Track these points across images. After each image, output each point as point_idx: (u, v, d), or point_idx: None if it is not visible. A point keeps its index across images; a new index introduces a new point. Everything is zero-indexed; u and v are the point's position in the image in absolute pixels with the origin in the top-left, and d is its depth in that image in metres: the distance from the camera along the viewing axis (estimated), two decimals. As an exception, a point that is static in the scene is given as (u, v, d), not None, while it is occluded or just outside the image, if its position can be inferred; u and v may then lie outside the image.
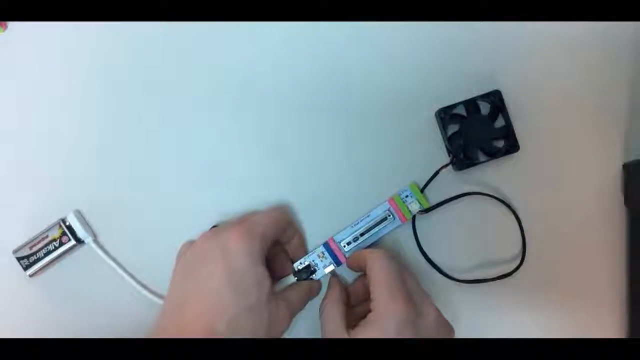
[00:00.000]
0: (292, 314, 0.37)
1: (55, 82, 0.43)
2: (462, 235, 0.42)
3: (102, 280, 0.42)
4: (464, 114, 0.41)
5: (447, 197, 0.42)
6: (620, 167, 0.43)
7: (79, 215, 0.42)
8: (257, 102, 0.43)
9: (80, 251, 0.42)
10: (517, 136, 0.41)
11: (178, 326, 0.33)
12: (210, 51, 0.43)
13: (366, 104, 0.43)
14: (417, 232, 0.41)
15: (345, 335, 0.34)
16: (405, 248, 0.42)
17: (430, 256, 0.41)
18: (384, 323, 0.33)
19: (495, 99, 0.41)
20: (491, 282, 0.41)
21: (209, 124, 0.43)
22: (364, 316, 0.35)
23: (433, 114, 0.42)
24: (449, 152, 0.42)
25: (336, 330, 0.35)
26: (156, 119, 0.43)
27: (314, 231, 0.42)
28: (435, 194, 0.42)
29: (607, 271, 0.42)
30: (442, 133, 0.42)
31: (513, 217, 0.42)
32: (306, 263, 0.41)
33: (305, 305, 0.39)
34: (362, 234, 0.41)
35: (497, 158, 0.41)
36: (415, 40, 0.43)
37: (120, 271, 0.41)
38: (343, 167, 0.43)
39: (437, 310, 0.35)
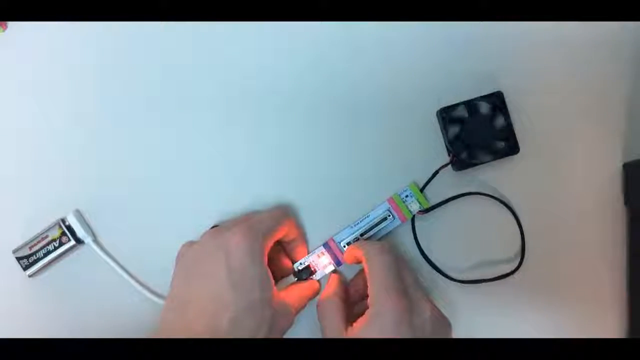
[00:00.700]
0: (293, 313, 0.37)
1: (55, 82, 0.43)
2: (462, 235, 0.42)
3: (101, 280, 0.42)
4: (465, 114, 0.41)
5: (447, 197, 0.42)
6: (620, 167, 0.43)
7: (79, 215, 0.42)
8: (257, 101, 0.43)
9: (80, 251, 0.42)
10: (517, 137, 0.41)
11: (180, 325, 0.34)
12: (210, 51, 0.43)
13: (367, 104, 0.43)
14: (417, 232, 0.41)
15: (342, 333, 0.34)
16: (405, 248, 0.42)
17: (429, 256, 0.41)
18: (381, 321, 0.33)
19: (497, 99, 0.41)
20: (491, 282, 0.41)
21: (210, 124, 0.43)
22: (364, 312, 0.35)
23: (434, 113, 0.42)
24: (449, 152, 0.42)
25: (333, 327, 0.35)
26: (157, 118, 0.43)
27: (315, 231, 0.42)
28: (435, 194, 0.42)
29: (607, 271, 0.42)
30: (442, 133, 0.42)
31: (512, 217, 0.42)
32: (306, 263, 0.41)
33: (305, 305, 0.39)
34: (362, 234, 0.41)
35: (497, 159, 0.41)
36: (415, 40, 0.43)
37: (120, 271, 0.41)
38: (344, 166, 0.43)
39: (435, 306, 0.35)
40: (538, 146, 0.42)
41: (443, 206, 0.42)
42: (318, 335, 0.39)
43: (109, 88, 0.43)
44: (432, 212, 0.41)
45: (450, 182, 0.42)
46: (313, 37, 0.43)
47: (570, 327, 0.42)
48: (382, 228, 0.41)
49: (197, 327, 0.33)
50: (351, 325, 0.35)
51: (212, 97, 0.43)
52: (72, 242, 0.41)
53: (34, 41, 0.43)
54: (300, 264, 0.41)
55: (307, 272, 0.40)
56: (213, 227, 0.40)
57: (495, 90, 0.42)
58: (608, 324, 0.42)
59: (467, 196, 0.42)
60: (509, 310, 0.42)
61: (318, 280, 0.41)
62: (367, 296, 0.35)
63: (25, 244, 0.41)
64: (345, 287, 0.39)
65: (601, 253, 0.42)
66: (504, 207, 0.42)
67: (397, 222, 0.41)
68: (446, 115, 0.41)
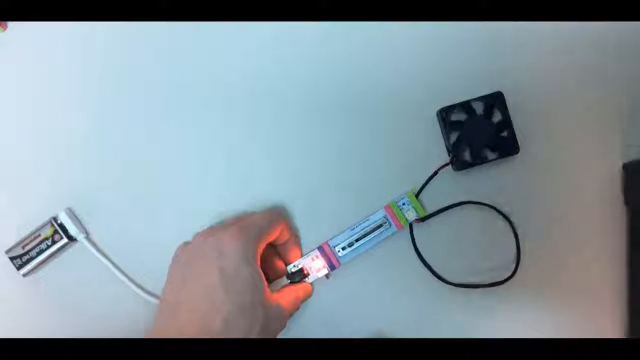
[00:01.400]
0: (286, 315, 0.37)
1: (54, 82, 0.43)
2: (459, 241, 0.42)
3: (95, 277, 0.42)
4: (465, 114, 0.41)
5: (446, 197, 0.42)
6: (620, 167, 0.43)
7: (71, 213, 0.42)
8: (255, 102, 0.43)
9: (72, 249, 0.42)
10: (517, 137, 0.41)
11: (173, 326, 0.34)
12: (207, 51, 0.43)
13: (366, 104, 0.43)
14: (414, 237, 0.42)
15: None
16: (401, 255, 0.42)
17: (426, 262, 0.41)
18: None
19: (497, 99, 0.41)
20: (490, 285, 0.41)
21: (207, 123, 0.43)
22: None
23: (434, 114, 0.42)
24: (449, 152, 0.42)
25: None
26: (152, 118, 0.43)
27: (311, 233, 0.42)
28: (434, 195, 0.42)
29: (607, 271, 0.42)
30: (442, 133, 0.42)
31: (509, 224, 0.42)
32: (300, 266, 0.41)
33: (298, 307, 0.39)
34: (357, 240, 0.41)
35: (497, 159, 0.41)
36: (415, 40, 0.43)
37: (113, 268, 0.41)
38: (343, 167, 0.43)
39: None
40: (538, 146, 0.42)
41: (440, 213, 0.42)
42: (316, 336, 0.39)
43: (108, 88, 0.43)
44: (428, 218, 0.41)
45: (450, 182, 0.42)
46: (312, 38, 0.43)
47: (570, 327, 0.42)
48: (378, 234, 0.41)
49: (190, 328, 0.33)
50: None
51: (210, 97, 0.43)
52: (65, 240, 0.41)
53: (34, 41, 0.43)
54: (294, 266, 0.41)
55: (300, 275, 0.40)
56: (208, 227, 0.40)
57: (495, 90, 0.42)
58: (608, 324, 0.42)
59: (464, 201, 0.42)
60: (509, 311, 0.42)
61: (311, 283, 0.41)
62: None
63: (18, 244, 0.41)
64: None
65: (601, 253, 0.42)
66: (500, 215, 0.42)
67: (393, 229, 0.41)
68: (446, 115, 0.41)
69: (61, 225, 0.41)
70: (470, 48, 0.43)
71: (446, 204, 0.42)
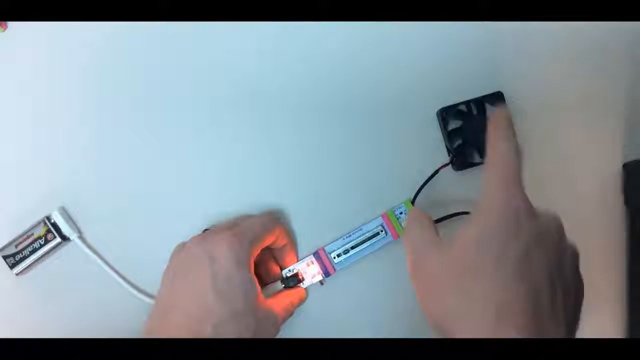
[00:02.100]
0: (279, 321, 0.37)
1: (53, 82, 0.43)
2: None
3: (88, 277, 0.42)
4: (465, 114, 0.41)
5: (446, 198, 0.42)
6: (620, 167, 0.43)
7: (64, 212, 0.42)
8: (254, 103, 0.43)
9: (66, 248, 0.42)
10: (517, 137, 0.41)
11: (164, 330, 0.34)
12: (206, 51, 0.43)
13: (366, 105, 0.43)
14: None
15: (440, 239, 0.30)
16: (396, 264, 0.42)
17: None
18: (498, 210, 0.28)
19: (497, 100, 0.41)
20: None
21: (203, 124, 0.43)
22: None
23: (434, 113, 0.42)
24: (449, 152, 0.42)
25: (424, 238, 0.31)
26: (150, 118, 0.43)
27: (307, 238, 0.42)
28: (434, 195, 0.42)
29: (607, 271, 0.42)
30: (442, 133, 0.42)
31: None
32: (295, 271, 0.41)
33: (292, 313, 0.39)
34: (353, 247, 0.41)
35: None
36: (415, 40, 0.43)
37: (106, 268, 0.42)
38: (342, 168, 0.42)
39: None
40: (538, 146, 0.42)
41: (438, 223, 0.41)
42: (315, 336, 0.39)
43: (106, 87, 0.43)
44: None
45: (450, 182, 0.42)
46: (312, 38, 0.43)
47: (570, 327, 0.42)
48: (374, 243, 0.41)
49: (180, 332, 0.33)
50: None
51: (209, 97, 0.43)
52: (58, 240, 0.41)
53: (34, 41, 0.43)
54: (289, 270, 0.41)
55: (294, 280, 0.40)
56: (204, 230, 0.40)
57: (495, 90, 0.42)
58: (608, 324, 0.42)
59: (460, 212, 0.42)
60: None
61: (305, 288, 0.41)
62: None
63: (11, 242, 0.41)
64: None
65: (601, 253, 0.42)
66: None
67: (389, 238, 0.41)
68: (446, 115, 0.41)
69: (54, 225, 0.41)
70: (470, 48, 0.43)
71: (446, 206, 0.42)
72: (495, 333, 0.26)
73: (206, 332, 0.33)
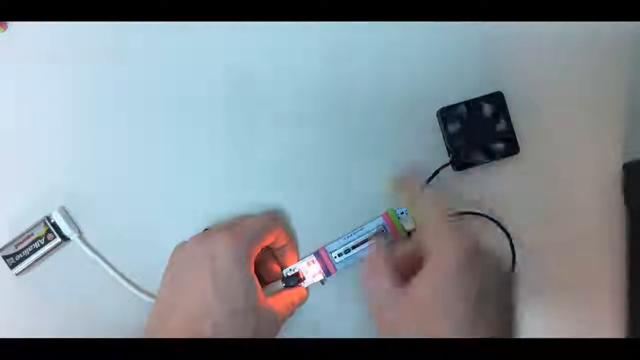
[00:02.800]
0: (280, 320, 0.37)
1: (53, 82, 0.43)
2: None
3: (88, 277, 0.42)
4: (465, 114, 0.41)
5: (446, 197, 0.42)
6: (620, 167, 0.43)
7: (64, 212, 0.42)
8: (255, 103, 0.43)
9: (66, 248, 0.42)
10: (517, 137, 0.41)
11: (164, 329, 0.34)
12: (206, 51, 0.43)
13: (366, 105, 0.43)
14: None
15: (399, 288, 0.32)
16: None
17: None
18: (443, 264, 0.30)
19: (497, 99, 0.41)
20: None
21: (203, 124, 0.43)
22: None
23: (434, 113, 0.42)
24: (449, 152, 0.42)
25: (383, 286, 0.32)
26: (150, 118, 0.43)
27: (308, 238, 0.42)
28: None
29: (607, 271, 0.42)
30: (442, 133, 0.42)
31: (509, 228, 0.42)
32: (296, 270, 0.41)
33: (293, 312, 0.39)
34: (354, 247, 0.41)
35: (497, 159, 0.41)
36: (415, 40, 0.43)
37: (107, 267, 0.42)
38: (342, 167, 0.42)
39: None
40: (538, 146, 0.42)
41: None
42: (314, 336, 0.39)
43: (106, 88, 0.43)
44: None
45: (450, 182, 0.42)
46: (311, 38, 0.43)
47: (571, 327, 0.42)
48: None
49: (180, 332, 0.33)
50: (405, 281, 0.32)
51: (209, 97, 0.43)
52: (58, 240, 0.41)
53: (34, 41, 0.43)
54: (290, 270, 0.41)
55: (295, 279, 0.40)
56: (205, 230, 0.40)
57: (495, 90, 0.42)
58: (608, 324, 0.42)
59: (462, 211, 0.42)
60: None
61: (306, 288, 0.41)
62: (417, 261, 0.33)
63: (11, 242, 0.41)
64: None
65: (601, 253, 0.42)
66: (495, 223, 0.42)
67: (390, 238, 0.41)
68: (446, 115, 0.41)
69: (54, 225, 0.41)
70: (470, 48, 0.43)
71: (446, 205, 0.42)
72: None
73: (206, 331, 0.33)
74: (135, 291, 0.41)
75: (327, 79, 0.43)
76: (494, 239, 0.42)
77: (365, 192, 0.42)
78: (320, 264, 0.40)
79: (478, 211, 0.42)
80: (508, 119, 0.41)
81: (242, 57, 0.43)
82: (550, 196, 0.43)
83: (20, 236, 0.41)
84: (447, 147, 0.42)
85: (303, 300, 0.41)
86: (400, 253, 0.35)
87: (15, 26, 0.43)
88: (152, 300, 0.41)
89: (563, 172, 0.43)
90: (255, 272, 0.37)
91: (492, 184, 0.42)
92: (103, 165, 0.42)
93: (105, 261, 0.42)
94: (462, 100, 0.41)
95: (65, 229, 0.41)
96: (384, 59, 0.43)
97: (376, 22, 0.43)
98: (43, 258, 0.41)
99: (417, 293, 0.31)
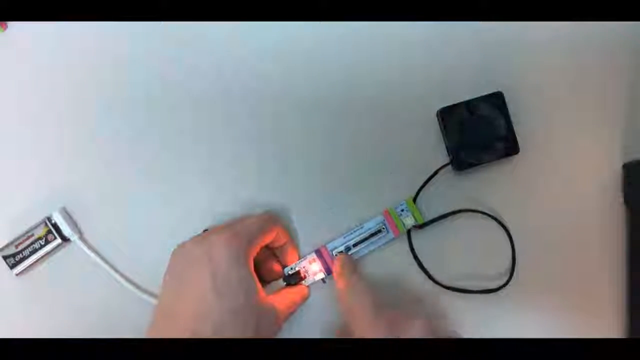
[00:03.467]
0: (281, 319, 0.37)
1: (53, 82, 0.43)
2: (457, 247, 0.42)
3: (88, 277, 0.42)
4: (465, 114, 0.41)
5: (446, 198, 0.42)
6: (620, 167, 0.43)
7: (65, 213, 0.42)
8: (254, 103, 0.43)
9: (66, 249, 0.42)
10: (517, 137, 0.41)
11: (166, 331, 0.34)
12: (206, 51, 0.43)
13: (366, 105, 0.43)
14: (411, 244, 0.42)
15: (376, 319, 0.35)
16: (398, 261, 0.42)
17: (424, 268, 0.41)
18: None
19: (497, 99, 0.41)
20: (488, 287, 0.41)
21: (204, 124, 0.43)
22: None
23: (434, 113, 0.42)
24: (449, 152, 0.42)
25: (370, 312, 0.35)
26: (150, 118, 0.43)
27: (308, 236, 0.42)
28: (434, 195, 0.42)
29: (607, 271, 0.42)
30: (442, 133, 0.42)
31: (508, 225, 0.42)
32: (296, 269, 0.41)
33: (294, 311, 0.39)
34: (354, 245, 0.41)
35: (497, 159, 0.41)
36: (415, 40, 0.43)
37: (107, 268, 0.41)
38: (342, 168, 0.42)
39: (423, 322, 0.34)
40: (538, 146, 0.42)
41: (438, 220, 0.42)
42: (314, 336, 0.39)
43: (106, 87, 0.43)
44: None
45: (450, 182, 0.42)
46: (311, 38, 0.43)
47: (571, 327, 0.42)
48: (376, 240, 0.41)
49: (181, 333, 0.33)
50: None
51: (209, 97, 0.43)
52: (59, 240, 0.41)
53: (34, 41, 0.43)
54: (291, 269, 0.41)
55: (296, 278, 0.40)
56: (204, 230, 0.40)
57: (495, 90, 0.42)
58: (607, 324, 0.42)
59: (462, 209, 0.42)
60: (508, 312, 0.42)
61: (307, 286, 0.41)
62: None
63: (11, 242, 0.41)
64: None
65: (601, 253, 0.42)
66: (496, 221, 0.42)
67: (391, 235, 0.41)
68: (446, 116, 0.41)
69: (55, 225, 0.41)
70: (470, 48, 0.43)
71: (446, 205, 0.42)
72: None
73: (207, 331, 0.33)
74: (135, 291, 0.41)
75: (327, 79, 0.43)
76: (494, 238, 0.42)
77: (365, 191, 0.42)
78: (321, 262, 0.40)
79: (479, 209, 0.42)
80: (508, 119, 0.41)
81: (241, 57, 0.43)
82: (550, 196, 0.43)
83: (20, 236, 0.41)
84: (447, 147, 0.42)
85: (304, 298, 0.41)
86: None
87: (15, 26, 0.43)
88: (152, 300, 0.41)
89: (563, 172, 0.43)
90: (256, 271, 0.37)
91: (492, 184, 0.42)
92: (103, 166, 0.42)
93: (106, 262, 0.42)
94: (462, 100, 0.41)
95: (66, 230, 0.41)
96: (384, 59, 0.43)
97: (376, 22, 0.43)
98: (43, 259, 0.41)
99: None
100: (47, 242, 0.41)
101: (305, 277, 0.41)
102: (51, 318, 0.42)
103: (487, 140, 0.41)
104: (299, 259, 0.41)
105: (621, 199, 0.43)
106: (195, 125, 0.43)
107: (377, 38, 0.43)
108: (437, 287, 0.41)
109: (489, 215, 0.42)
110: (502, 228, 0.42)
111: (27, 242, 0.41)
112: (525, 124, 0.42)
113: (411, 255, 0.41)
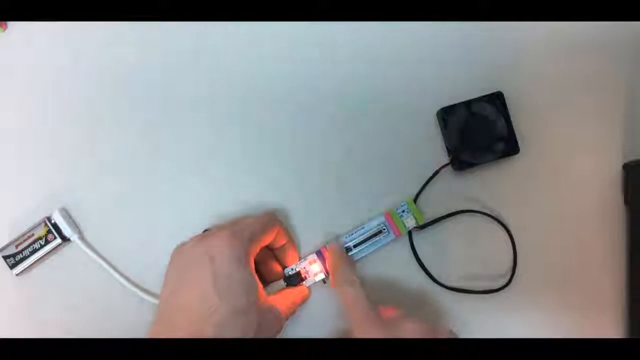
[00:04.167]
0: (282, 319, 0.37)
1: (53, 82, 0.43)
2: (458, 248, 0.42)
3: (88, 277, 0.42)
4: (465, 114, 0.41)
5: (447, 198, 0.42)
6: (620, 167, 0.43)
7: (65, 213, 0.42)
8: (255, 103, 0.43)
9: (66, 249, 0.42)
10: (517, 137, 0.41)
11: (168, 332, 0.34)
12: (206, 52, 0.43)
13: (366, 105, 0.43)
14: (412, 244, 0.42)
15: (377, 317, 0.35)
16: (399, 261, 0.42)
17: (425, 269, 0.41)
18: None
19: (497, 99, 0.41)
20: (488, 288, 0.41)
21: (204, 124, 0.43)
22: None
23: (434, 114, 0.42)
24: (449, 152, 0.42)
25: (365, 308, 0.36)
26: (149, 118, 0.43)
27: (309, 237, 0.42)
28: (434, 195, 0.42)
29: (607, 271, 0.42)
30: (442, 133, 0.42)
31: (506, 231, 0.42)
32: (297, 270, 0.41)
33: (295, 311, 0.39)
34: (355, 245, 0.41)
35: (497, 159, 0.41)
36: (415, 40, 0.43)
37: (108, 268, 0.41)
38: (342, 169, 0.42)
39: (415, 323, 0.35)
40: (538, 146, 0.43)
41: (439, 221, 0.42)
42: (315, 336, 0.39)
43: (106, 87, 0.43)
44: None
45: (450, 182, 0.42)
46: (311, 38, 0.43)
47: (571, 327, 0.42)
48: (376, 241, 0.41)
49: (182, 334, 0.33)
50: None
51: (209, 98, 0.43)
52: (59, 240, 0.41)
53: (34, 41, 0.43)
54: (291, 269, 0.41)
55: (297, 278, 0.40)
56: (205, 230, 0.40)
57: (495, 90, 0.42)
58: (607, 324, 0.42)
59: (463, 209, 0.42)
60: (508, 313, 0.42)
61: (308, 287, 0.41)
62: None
63: (11, 242, 0.41)
64: None
65: (601, 253, 0.42)
66: (497, 222, 0.42)
67: (392, 236, 0.41)
68: (446, 116, 0.41)
69: (55, 225, 0.41)
70: (470, 48, 0.43)
71: (446, 205, 0.42)
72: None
73: (208, 331, 0.33)
74: (135, 291, 0.41)
75: (327, 79, 0.43)
76: (495, 238, 0.42)
77: (366, 192, 0.42)
78: (322, 263, 0.40)
79: (479, 209, 0.42)
80: (508, 119, 0.41)
81: (241, 57, 0.43)
82: (550, 196, 0.43)
83: (20, 236, 0.41)
84: (447, 147, 0.42)
85: (305, 299, 0.41)
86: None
87: (15, 26, 0.43)
88: (152, 300, 0.41)
89: (563, 172, 0.43)
90: (257, 272, 0.37)
91: (492, 184, 0.42)
92: (104, 166, 0.42)
93: (106, 262, 0.42)
94: (462, 100, 0.41)
95: (66, 230, 0.41)
96: (384, 60, 0.43)
97: (376, 23, 0.43)
98: (43, 258, 0.41)
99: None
100: (47, 242, 0.41)
101: (305, 277, 0.41)
102: (51, 318, 0.42)
103: (487, 140, 0.41)
104: (300, 259, 0.41)
105: (621, 199, 0.43)
106: (195, 125, 0.43)
107: (376, 38, 0.43)
108: (439, 288, 0.41)
109: (490, 216, 0.42)
110: (503, 228, 0.42)
111: (27, 242, 0.41)
112: (525, 124, 0.42)
113: (412, 256, 0.41)
